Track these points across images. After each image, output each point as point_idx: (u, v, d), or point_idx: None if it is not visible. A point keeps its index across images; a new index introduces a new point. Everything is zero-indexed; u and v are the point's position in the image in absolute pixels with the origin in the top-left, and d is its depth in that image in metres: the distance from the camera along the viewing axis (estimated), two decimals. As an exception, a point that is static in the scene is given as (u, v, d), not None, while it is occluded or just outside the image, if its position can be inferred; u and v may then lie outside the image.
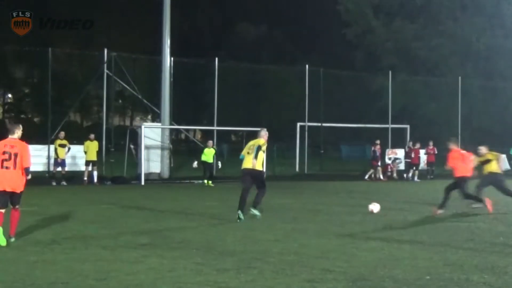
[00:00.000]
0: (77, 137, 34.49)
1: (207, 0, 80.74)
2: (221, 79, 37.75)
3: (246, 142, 33.14)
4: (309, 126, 39.51)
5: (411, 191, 26.95)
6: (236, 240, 12.30)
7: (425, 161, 35.46)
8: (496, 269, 9.79)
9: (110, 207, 18.47)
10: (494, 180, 18.61)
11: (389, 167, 35.61)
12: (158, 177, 31.70)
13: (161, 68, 33.13)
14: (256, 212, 15.65)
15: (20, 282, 8.66)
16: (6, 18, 27.52)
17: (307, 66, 39.68)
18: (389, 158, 36.21)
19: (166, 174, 32.57)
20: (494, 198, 18.09)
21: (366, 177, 33.80)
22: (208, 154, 28.73)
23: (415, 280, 9.01)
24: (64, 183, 27.50)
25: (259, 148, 15.65)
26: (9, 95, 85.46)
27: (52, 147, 29.13)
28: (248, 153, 15.84)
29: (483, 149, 18.98)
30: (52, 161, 29.11)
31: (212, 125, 37.77)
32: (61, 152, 27.88)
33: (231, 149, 47.91)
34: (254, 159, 15.51)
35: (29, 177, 12.23)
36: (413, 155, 34.58)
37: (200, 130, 70.01)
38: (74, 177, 28.96)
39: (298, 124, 38.95)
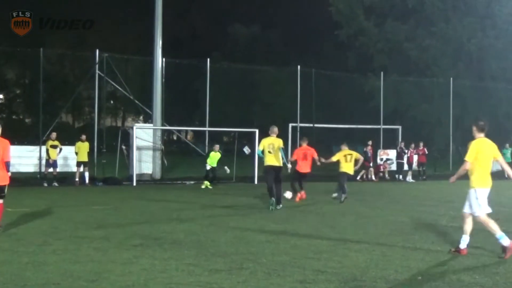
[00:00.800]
0: (68, 138, 34.41)
1: (199, 1, 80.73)
2: (213, 80, 37.75)
3: (239, 143, 33.22)
4: (301, 127, 39.51)
5: (402, 191, 27.00)
6: (228, 241, 12.29)
7: (416, 162, 35.58)
8: (487, 269, 9.83)
9: (102, 208, 18.42)
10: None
11: (381, 167, 35.71)
12: (150, 178, 31.65)
13: (153, 69, 33.08)
14: (280, 205, 18.40)
15: (12, 283, 8.63)
16: (6, 18, 27.39)
17: (299, 67, 39.69)
18: (381, 159, 36.29)
19: (158, 175, 32.53)
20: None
21: (358, 177, 33.85)
22: (214, 158, 28.28)
23: (407, 280, 9.03)
24: (55, 184, 27.43)
25: (282, 149, 18.57)
26: (1, 96, 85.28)
27: (43, 148, 29.06)
28: (269, 152, 18.33)
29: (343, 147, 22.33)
30: (43, 162, 29.04)
31: (204, 126, 37.78)
32: (53, 153, 27.83)
33: (222, 150, 47.81)
34: (281, 158, 18.49)
35: (9, 174, 12.88)
36: (409, 155, 34.77)
37: (192, 131, 70.10)
38: (65, 178, 28.90)
39: (290, 124, 38.95)
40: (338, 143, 61.40)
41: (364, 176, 33.93)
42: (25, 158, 29.03)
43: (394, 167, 36.36)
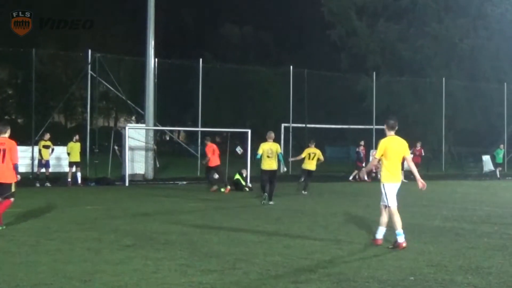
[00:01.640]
0: (61, 138, 34.34)
1: (191, 1, 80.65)
2: (206, 80, 37.76)
3: (231, 143, 33.22)
4: (293, 127, 39.55)
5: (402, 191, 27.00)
6: (220, 241, 12.29)
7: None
8: (480, 270, 9.84)
9: (95, 208, 18.40)
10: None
11: (374, 167, 35.69)
12: (142, 178, 31.62)
13: (145, 69, 33.07)
14: (272, 202, 20.02)
15: (4, 283, 8.62)
16: (6, 18, 27.28)
17: (291, 67, 39.72)
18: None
19: (150, 175, 32.52)
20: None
21: (351, 178, 33.90)
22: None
23: (400, 281, 9.04)
24: (48, 184, 27.38)
25: (281, 154, 20.61)
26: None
27: (36, 148, 28.98)
28: (268, 156, 20.00)
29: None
30: (36, 162, 28.97)
31: (197, 126, 37.79)
32: (45, 153, 27.77)
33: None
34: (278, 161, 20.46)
35: (19, 177, 13.86)
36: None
37: (184, 131, 70.04)
38: (58, 179, 28.85)
39: (283, 125, 38.99)
40: (330, 143, 61.49)
41: (357, 177, 33.95)
42: (21, 158, 28.94)
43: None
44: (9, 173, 13.50)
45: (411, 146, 35.59)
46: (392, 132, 12.16)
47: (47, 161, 27.91)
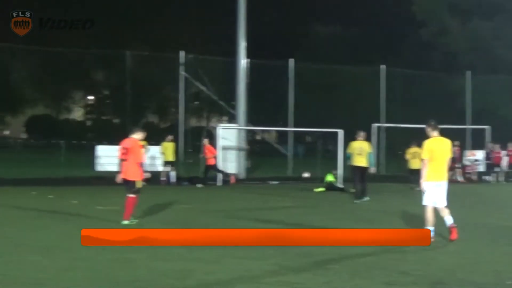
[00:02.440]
0: (155, 138, 35.04)
1: (282, 1, 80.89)
2: (296, 80, 37.77)
3: (323, 143, 33.07)
4: (385, 127, 39.13)
5: (491, 193, 26.40)
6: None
7: (507, 163, 34.61)
8: None
9: (188, 207, 18.69)
10: None
11: (468, 168, 34.96)
12: (234, 178, 31.81)
13: (236, 69, 33.33)
14: (366, 198, 20.71)
15: (103, 279, 8.89)
16: (6, 17, 27.56)
17: (384, 66, 39.34)
18: (468, 160, 35.54)
19: (242, 174, 32.73)
20: None
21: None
22: None
23: (495, 285, 8.86)
24: (142, 183, 27.82)
25: (370, 154, 20.90)
26: (90, 97, 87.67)
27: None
28: (358, 154, 20.52)
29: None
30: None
31: (288, 126, 37.86)
32: (140, 152, 28.29)
33: (306, 150, 47.85)
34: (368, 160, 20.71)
35: (148, 174, 15.79)
36: (493, 157, 33.92)
37: (275, 131, 70.21)
38: (152, 178, 29.38)
39: (374, 125, 38.63)
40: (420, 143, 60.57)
41: (452, 177, 33.26)
42: (113, 157, 29.62)
43: (482, 168, 35.54)
44: (133, 171, 14.62)
45: (504, 146, 34.69)
46: (436, 133, 12.22)
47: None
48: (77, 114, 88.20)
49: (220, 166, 28.85)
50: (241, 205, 19.88)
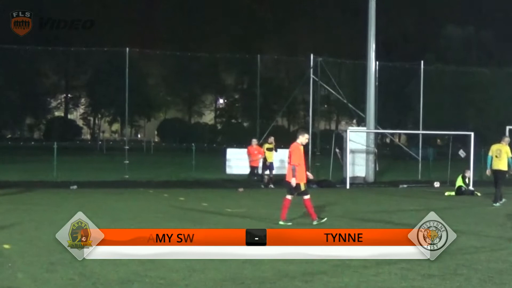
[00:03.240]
0: (284, 141, 35.38)
1: (412, 3, 79.72)
2: (426, 82, 37.15)
3: (453, 147, 32.47)
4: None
5: None
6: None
7: None
8: None
9: (316, 209, 18.78)
10: None
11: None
12: (363, 181, 31.69)
13: (366, 72, 33.13)
14: (497, 204, 20.48)
15: (230, 281, 9.13)
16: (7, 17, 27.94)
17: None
18: None
19: (371, 178, 32.49)
20: None
21: None
22: None
23: None
24: (271, 186, 28.17)
25: (509, 159, 20.63)
26: (221, 101, 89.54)
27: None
28: (496, 156, 20.67)
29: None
30: (260, 164, 29.95)
31: (418, 129, 37.29)
32: (269, 155, 28.66)
33: (436, 153, 46.87)
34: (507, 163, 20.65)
35: (293, 181, 15.24)
36: None
37: (405, 134, 69.27)
38: (281, 180, 29.62)
39: (508, 127, 37.41)
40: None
41: None
42: (242, 160, 30.17)
43: None
44: (299, 174, 15.24)
45: None
46: None
47: (271, 163, 28.78)
48: (208, 117, 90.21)
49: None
50: (369, 208, 19.78)
